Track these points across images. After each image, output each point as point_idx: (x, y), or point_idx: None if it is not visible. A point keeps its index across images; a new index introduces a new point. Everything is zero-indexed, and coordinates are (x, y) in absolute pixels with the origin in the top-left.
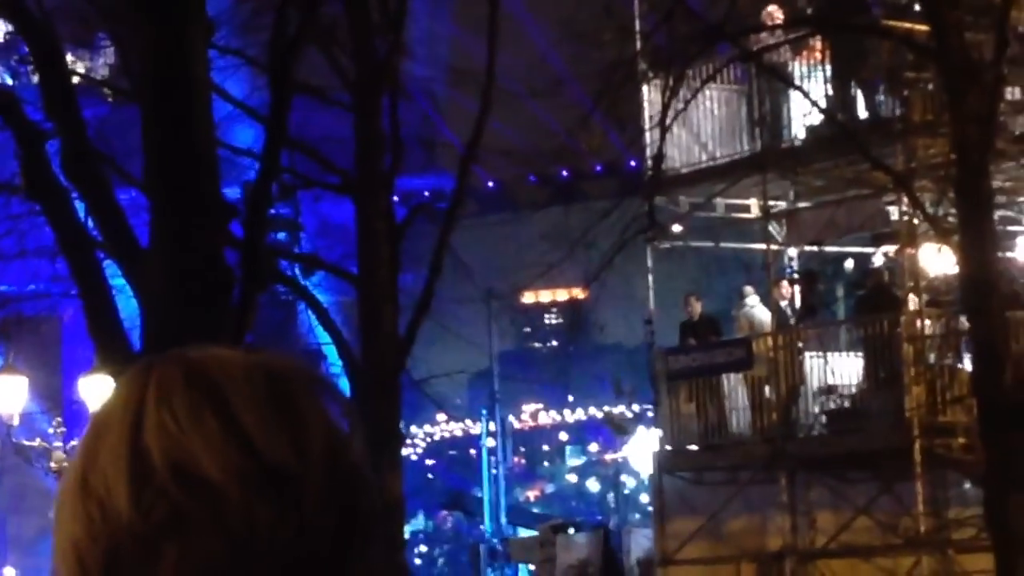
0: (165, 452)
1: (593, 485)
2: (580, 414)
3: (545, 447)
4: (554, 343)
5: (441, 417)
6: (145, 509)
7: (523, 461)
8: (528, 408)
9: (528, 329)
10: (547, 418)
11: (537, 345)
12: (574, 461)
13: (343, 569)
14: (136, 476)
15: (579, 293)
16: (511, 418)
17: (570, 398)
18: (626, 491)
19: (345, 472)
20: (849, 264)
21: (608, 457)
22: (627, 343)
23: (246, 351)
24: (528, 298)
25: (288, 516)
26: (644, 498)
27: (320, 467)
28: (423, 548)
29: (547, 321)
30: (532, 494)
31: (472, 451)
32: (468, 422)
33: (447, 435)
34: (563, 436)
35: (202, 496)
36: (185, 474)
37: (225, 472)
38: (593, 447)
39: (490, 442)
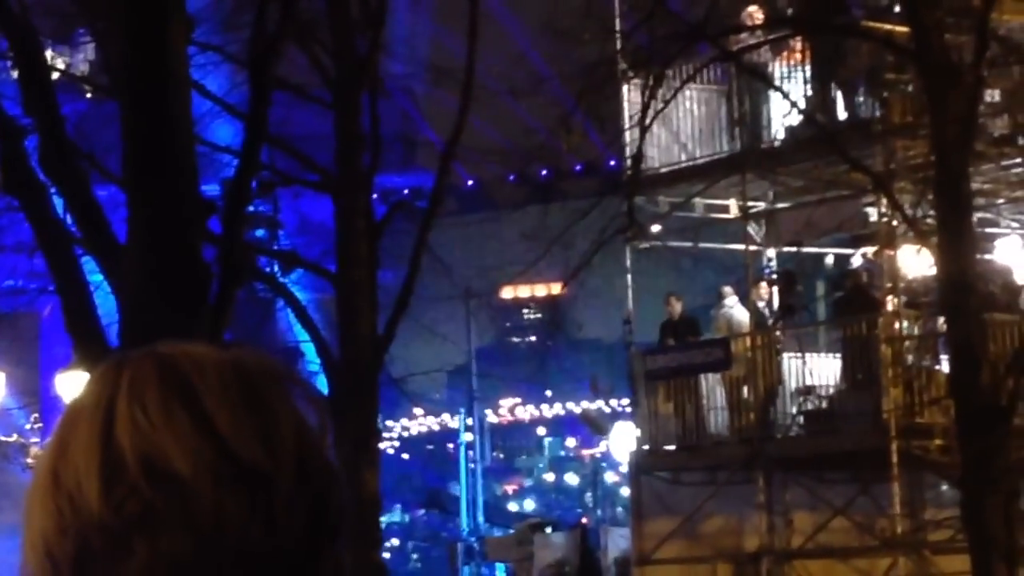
0: (136, 448)
1: (572, 479)
2: (558, 409)
3: (523, 442)
4: (532, 338)
5: (418, 411)
6: (115, 504)
7: (501, 456)
8: (506, 403)
9: (507, 324)
10: (524, 413)
11: (516, 340)
12: (552, 455)
13: (314, 566)
14: (107, 471)
15: (558, 289)
16: (489, 412)
17: (548, 393)
18: (604, 487)
19: (316, 470)
20: (829, 260)
21: (586, 452)
22: (606, 340)
23: (219, 347)
24: (507, 293)
25: (258, 513)
26: (625, 491)
27: (291, 465)
28: (395, 542)
29: (526, 317)
30: (510, 488)
31: (450, 446)
32: (446, 416)
33: (424, 429)
34: (541, 431)
35: (172, 492)
36: (156, 470)
37: (196, 468)
38: (571, 442)
39: (467, 436)
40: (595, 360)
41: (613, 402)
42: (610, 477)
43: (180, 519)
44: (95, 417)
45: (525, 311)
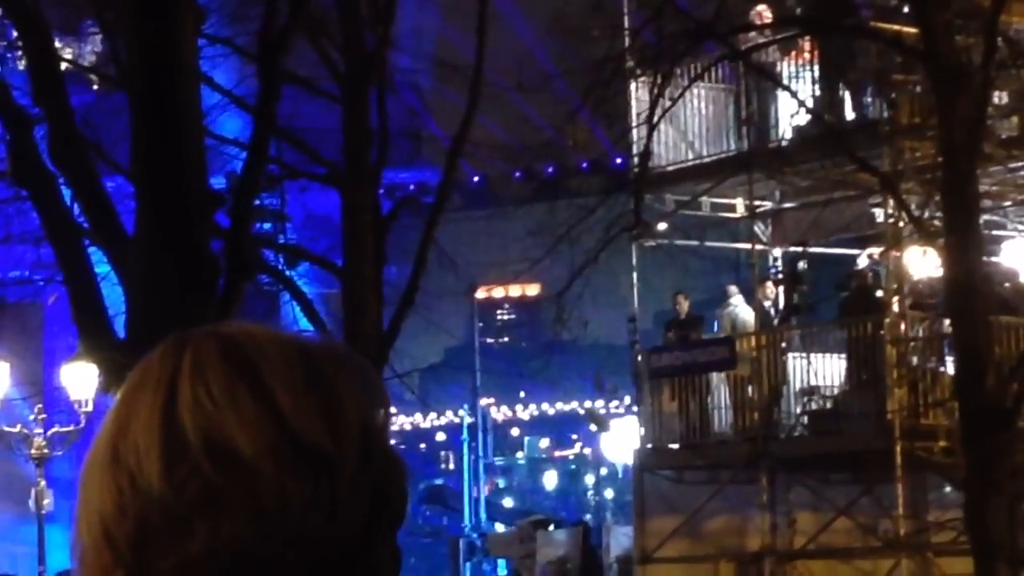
0: (200, 428)
1: (550, 480)
2: (533, 410)
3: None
4: (506, 339)
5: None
6: (177, 484)
7: (473, 457)
8: (483, 402)
9: (480, 324)
10: (499, 414)
11: (489, 341)
12: (532, 454)
13: (371, 554)
14: (169, 451)
15: (532, 290)
16: (462, 412)
17: (521, 394)
18: (590, 488)
19: (379, 457)
20: (836, 261)
21: (559, 454)
22: (604, 339)
23: (282, 331)
24: (480, 294)
25: (321, 498)
26: (609, 493)
27: (355, 451)
28: None
29: (499, 318)
30: (485, 488)
31: (433, 440)
32: (418, 416)
33: (408, 427)
34: (514, 431)
35: (235, 474)
36: (219, 450)
37: (259, 450)
38: (544, 443)
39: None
40: (590, 360)
41: (615, 402)
42: (589, 479)
43: (242, 501)
44: (157, 395)
45: (499, 312)
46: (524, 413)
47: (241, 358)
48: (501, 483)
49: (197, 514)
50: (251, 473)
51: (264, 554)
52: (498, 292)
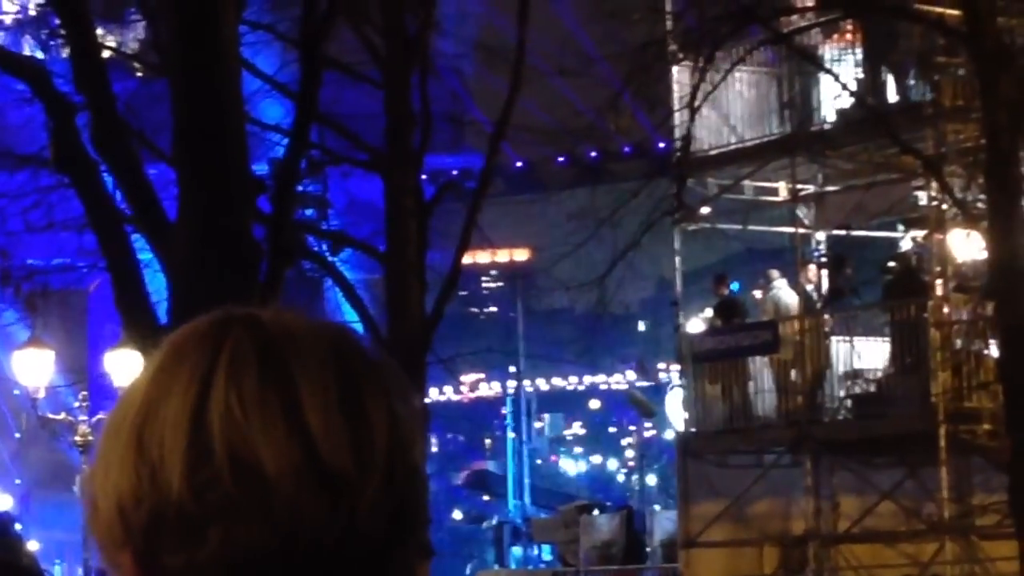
0: (226, 436)
1: (574, 463)
2: (527, 385)
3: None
4: (493, 308)
5: (448, 389)
6: (197, 489)
7: (461, 438)
8: (467, 378)
9: (464, 293)
10: (489, 390)
11: (474, 311)
12: (554, 433)
13: (387, 566)
14: (193, 453)
15: (522, 255)
16: (448, 389)
17: (512, 369)
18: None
19: (402, 477)
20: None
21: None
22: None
23: (319, 321)
24: (465, 259)
25: (339, 518)
26: (651, 479)
27: (379, 474)
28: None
29: (485, 286)
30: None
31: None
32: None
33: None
34: (505, 409)
35: (255, 489)
36: (242, 464)
37: (282, 469)
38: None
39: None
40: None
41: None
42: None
43: (258, 515)
44: (189, 391)
45: (484, 279)
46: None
47: (277, 363)
48: (491, 467)
49: (212, 521)
50: (271, 490)
51: (276, 565)
52: (483, 257)
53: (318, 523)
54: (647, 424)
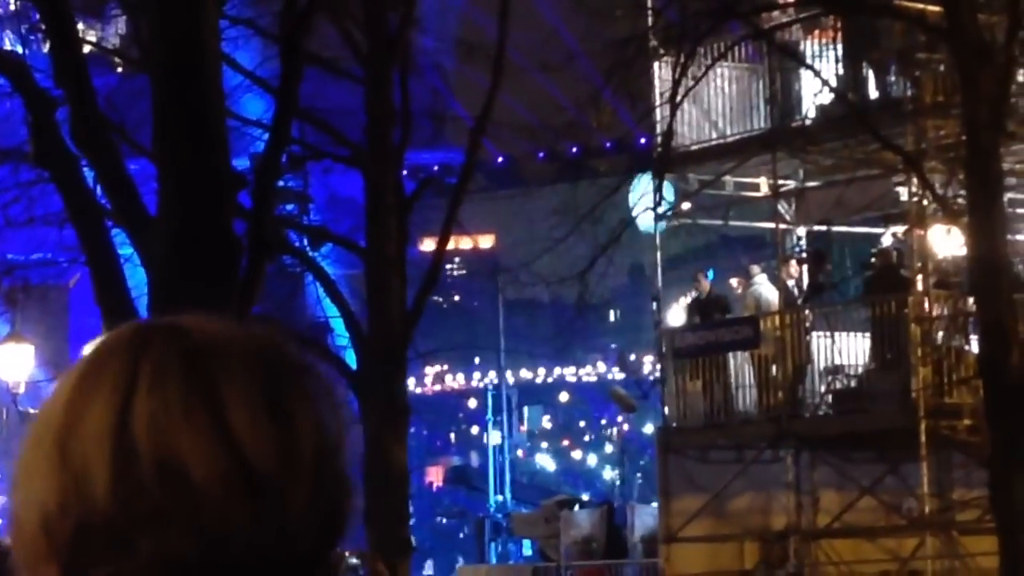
0: (153, 445)
1: (553, 459)
2: (493, 377)
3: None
4: (456, 297)
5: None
6: (124, 498)
7: (425, 432)
8: (431, 370)
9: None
10: (453, 382)
11: (437, 299)
12: (533, 427)
13: (314, 572)
14: (119, 462)
15: (486, 241)
16: (410, 381)
17: (476, 360)
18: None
19: (330, 480)
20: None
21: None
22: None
23: (245, 328)
24: (427, 245)
25: (268, 525)
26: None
27: (306, 478)
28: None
29: (450, 273)
30: (434, 474)
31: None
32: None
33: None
34: (472, 403)
35: (183, 496)
36: (170, 471)
37: (209, 475)
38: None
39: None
40: (549, 324)
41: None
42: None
43: (187, 523)
44: (111, 400)
45: (449, 267)
46: (484, 382)
47: (202, 370)
48: (456, 461)
49: (140, 530)
50: (199, 497)
51: (205, 573)
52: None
53: (247, 528)
54: (620, 418)
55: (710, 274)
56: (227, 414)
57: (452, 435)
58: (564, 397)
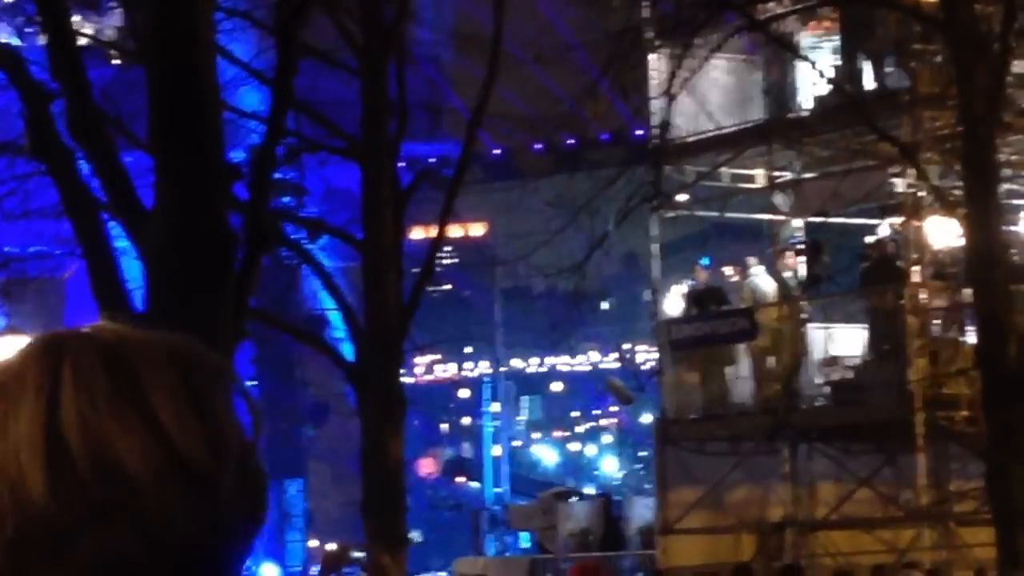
0: (86, 443)
1: (552, 452)
2: (484, 367)
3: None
4: (447, 286)
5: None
6: (63, 500)
7: (416, 423)
8: (422, 360)
9: (415, 271)
10: (444, 372)
11: (430, 288)
12: (533, 417)
13: (240, 563)
14: (54, 465)
15: (477, 229)
16: (478, 369)
17: (468, 350)
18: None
19: (252, 474)
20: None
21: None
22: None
23: (154, 332)
24: (417, 234)
25: (203, 514)
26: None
27: (233, 468)
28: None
29: (439, 261)
30: (426, 468)
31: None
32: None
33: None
34: (463, 393)
35: (122, 491)
36: (106, 468)
37: (145, 468)
38: (495, 407)
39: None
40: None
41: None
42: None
43: (128, 518)
44: (37, 405)
45: (439, 255)
46: (476, 372)
47: (123, 369)
48: (449, 453)
49: (81, 529)
50: (137, 491)
51: (148, 569)
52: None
53: (185, 518)
54: (613, 409)
55: (705, 261)
56: (153, 409)
57: (445, 425)
58: (558, 387)
